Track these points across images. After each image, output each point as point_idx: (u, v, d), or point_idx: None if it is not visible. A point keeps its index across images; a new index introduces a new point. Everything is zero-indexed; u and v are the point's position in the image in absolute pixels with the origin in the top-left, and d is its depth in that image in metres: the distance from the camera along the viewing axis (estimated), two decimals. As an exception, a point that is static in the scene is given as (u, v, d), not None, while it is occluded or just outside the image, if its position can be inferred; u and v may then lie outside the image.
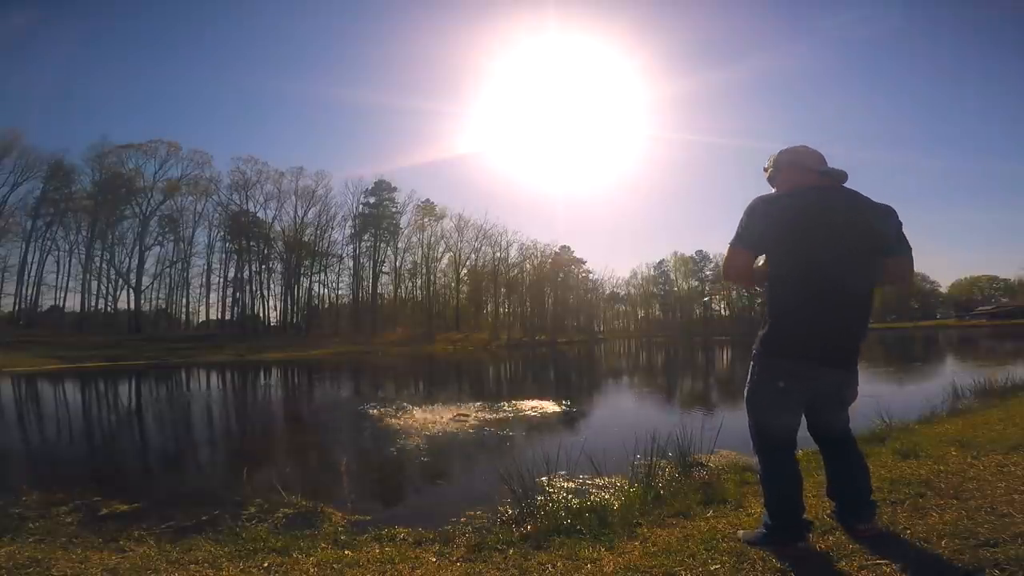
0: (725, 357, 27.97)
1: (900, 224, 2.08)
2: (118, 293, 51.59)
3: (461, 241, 62.88)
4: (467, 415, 8.81)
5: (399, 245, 61.05)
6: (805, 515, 2.14)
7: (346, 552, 2.62)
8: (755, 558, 2.08)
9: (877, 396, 6.45)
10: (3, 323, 43.80)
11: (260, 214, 55.94)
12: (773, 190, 2.24)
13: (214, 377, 22.54)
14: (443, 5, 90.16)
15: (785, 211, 2.04)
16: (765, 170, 2.30)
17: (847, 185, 2.15)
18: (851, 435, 2.23)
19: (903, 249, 2.09)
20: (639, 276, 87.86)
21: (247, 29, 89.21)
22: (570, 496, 3.53)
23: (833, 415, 2.19)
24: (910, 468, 3.24)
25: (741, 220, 2.08)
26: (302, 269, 57.05)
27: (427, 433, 7.40)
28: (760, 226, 2.04)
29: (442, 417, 8.76)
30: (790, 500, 2.10)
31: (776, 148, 2.29)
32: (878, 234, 2.04)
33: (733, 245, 2.10)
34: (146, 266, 51.78)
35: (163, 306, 54.65)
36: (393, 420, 8.69)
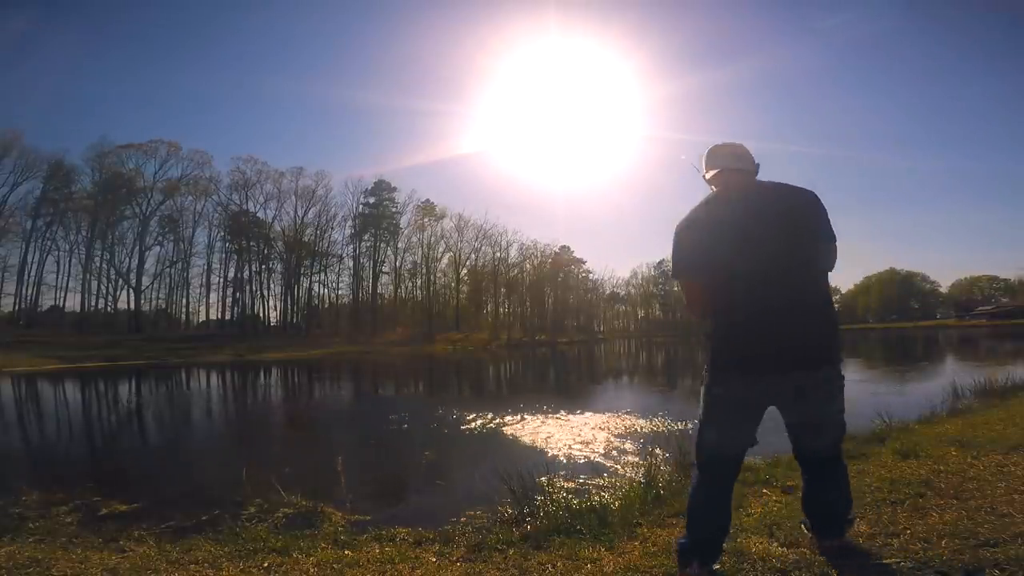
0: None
1: (826, 211, 1.97)
2: (118, 293, 51.71)
3: (461, 241, 62.99)
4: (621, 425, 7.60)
5: (399, 245, 61.18)
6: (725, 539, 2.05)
7: (346, 552, 2.62)
8: (755, 557, 2.08)
9: (878, 395, 6.44)
10: (3, 323, 43.82)
11: (260, 214, 56.09)
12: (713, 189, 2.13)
13: (252, 379, 22.50)
14: (443, 5, 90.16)
15: (702, 230, 1.97)
16: (702, 176, 2.16)
17: (769, 178, 2.06)
18: (836, 457, 2.08)
19: (831, 236, 1.99)
20: (639, 276, 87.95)
21: (247, 29, 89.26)
22: (570, 496, 3.53)
23: (811, 434, 2.01)
24: (910, 468, 3.24)
25: (672, 252, 2.03)
26: (302, 269, 57.10)
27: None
28: (688, 253, 1.99)
29: (597, 428, 7.46)
30: (711, 523, 1.98)
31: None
32: (808, 221, 1.94)
33: (676, 278, 2.07)
34: (146, 266, 51.92)
35: (163, 306, 54.71)
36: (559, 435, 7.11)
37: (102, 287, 51.05)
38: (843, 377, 1.97)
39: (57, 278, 49.95)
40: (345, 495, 3.92)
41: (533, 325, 67.91)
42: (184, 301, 55.97)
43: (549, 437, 7.05)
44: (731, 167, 2.04)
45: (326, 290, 60.35)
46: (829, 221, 1.98)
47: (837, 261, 2.03)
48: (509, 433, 7.50)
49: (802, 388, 1.89)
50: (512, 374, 22.53)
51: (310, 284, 58.56)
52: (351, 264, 59.79)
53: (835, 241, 1.99)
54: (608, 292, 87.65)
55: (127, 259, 51.45)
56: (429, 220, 61.49)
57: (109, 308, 51.64)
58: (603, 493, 3.71)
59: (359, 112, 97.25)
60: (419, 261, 61.62)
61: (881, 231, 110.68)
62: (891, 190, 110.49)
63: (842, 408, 1.97)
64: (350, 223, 59.12)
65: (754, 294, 1.87)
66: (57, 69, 66.66)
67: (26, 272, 47.25)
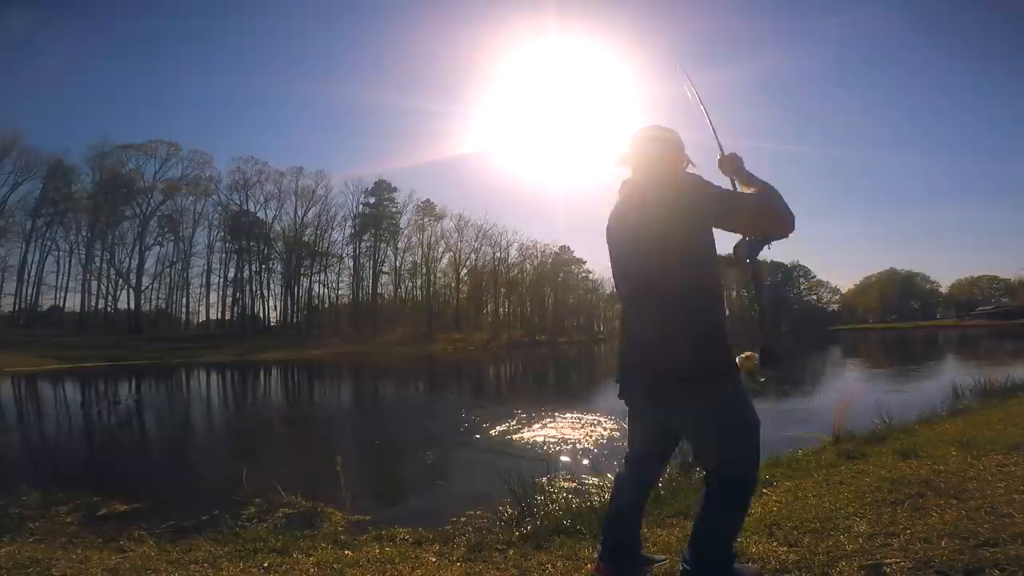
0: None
1: (718, 188, 1.71)
2: (118, 293, 51.60)
3: (461, 241, 62.92)
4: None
5: (399, 245, 61.09)
6: (642, 551, 2.01)
7: (346, 552, 2.62)
8: (755, 558, 2.08)
9: (878, 395, 6.45)
10: (3, 323, 43.78)
11: (260, 214, 55.97)
12: None
13: (262, 379, 22.51)
14: (443, 6, 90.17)
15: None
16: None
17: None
18: (724, 486, 1.70)
19: (743, 197, 1.74)
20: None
21: (248, 29, 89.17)
22: (570, 496, 3.53)
23: (699, 446, 1.89)
24: (910, 468, 3.24)
25: None
26: (302, 269, 57.05)
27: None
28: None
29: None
30: (612, 526, 1.95)
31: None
32: (681, 215, 1.67)
33: None
34: (146, 266, 51.79)
35: (163, 306, 54.62)
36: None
37: (102, 287, 51.02)
38: (723, 401, 1.67)
39: (57, 278, 49.95)
40: (345, 495, 3.91)
41: (533, 325, 67.84)
42: (184, 301, 55.94)
43: (548, 436, 7.05)
44: (635, 152, 1.89)
45: (326, 290, 60.35)
46: (716, 198, 1.68)
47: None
48: (509, 433, 7.50)
49: (668, 420, 1.79)
50: (512, 374, 22.53)
51: (310, 284, 58.57)
52: (351, 264, 59.80)
53: (730, 215, 1.69)
54: (608, 292, 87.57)
55: (127, 259, 51.41)
56: (429, 220, 61.52)
57: (109, 308, 51.62)
58: (603, 493, 3.71)
59: (359, 112, 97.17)
60: (419, 261, 61.63)
61: (881, 231, 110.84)
62: (891, 190, 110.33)
63: (724, 433, 1.69)
64: (350, 223, 59.13)
65: (630, 299, 1.84)
66: (57, 69, 66.50)
67: (26, 272, 47.24)
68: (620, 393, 1.86)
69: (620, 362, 1.84)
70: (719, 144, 1.92)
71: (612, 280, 1.98)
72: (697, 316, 1.67)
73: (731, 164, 1.84)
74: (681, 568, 1.77)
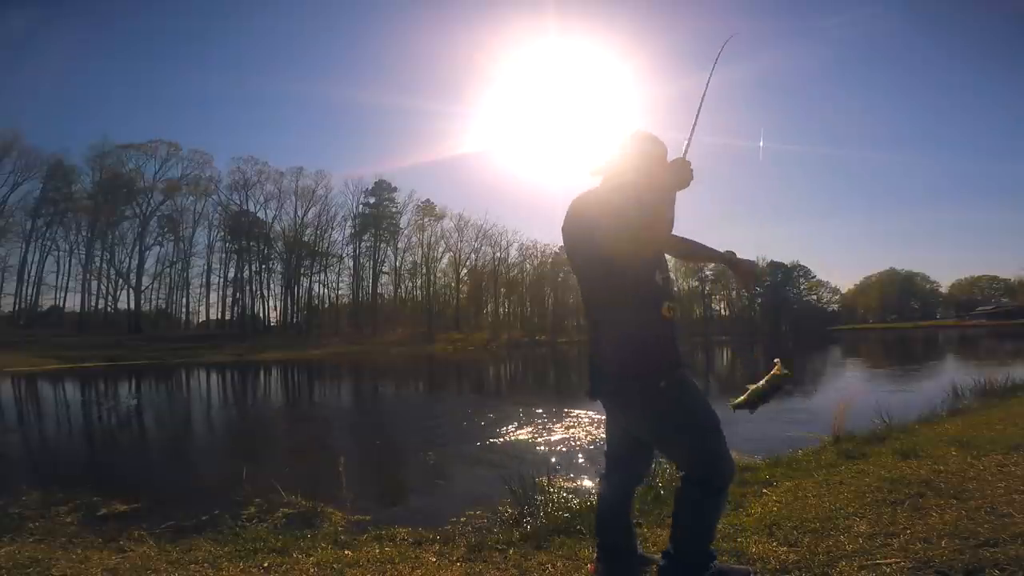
0: (725, 357, 27.96)
1: (602, 214, 1.72)
2: (118, 293, 51.65)
3: (461, 241, 62.92)
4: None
5: (399, 245, 61.10)
6: (640, 551, 2.04)
7: (346, 552, 2.62)
8: (755, 557, 2.08)
9: (878, 395, 6.44)
10: (3, 323, 43.77)
11: (260, 214, 56.01)
12: None
13: (274, 379, 22.49)
14: (443, 6, 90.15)
15: None
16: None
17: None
18: (687, 485, 1.76)
19: (633, 217, 1.66)
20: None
21: (247, 29, 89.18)
22: (570, 496, 3.53)
23: (656, 446, 1.93)
24: (910, 468, 3.24)
25: None
26: (302, 269, 57.06)
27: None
28: None
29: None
30: (601, 526, 2.00)
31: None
32: (587, 240, 1.77)
33: None
34: (146, 266, 51.86)
35: (163, 306, 54.65)
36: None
37: (102, 287, 51.07)
38: (657, 401, 1.69)
39: (57, 278, 50.00)
40: (345, 495, 3.91)
41: (533, 325, 67.80)
42: (184, 301, 55.99)
43: (549, 436, 7.05)
44: (607, 162, 1.92)
45: (326, 290, 60.38)
46: (608, 218, 1.70)
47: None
48: (509, 433, 7.49)
49: (623, 420, 1.87)
50: (512, 374, 22.53)
51: (310, 284, 58.61)
52: (351, 264, 59.83)
53: (621, 231, 1.68)
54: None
55: (127, 259, 51.46)
56: (429, 220, 61.52)
57: (109, 308, 51.65)
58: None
59: (359, 112, 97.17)
60: (419, 261, 61.64)
61: (881, 231, 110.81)
62: (891, 190, 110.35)
63: (672, 433, 1.73)
64: (350, 223, 59.17)
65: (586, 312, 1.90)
66: (57, 69, 66.48)
67: (26, 272, 47.30)
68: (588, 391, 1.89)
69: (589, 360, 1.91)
70: (690, 139, 1.84)
71: None
72: (622, 318, 1.74)
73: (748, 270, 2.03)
74: (659, 564, 1.82)
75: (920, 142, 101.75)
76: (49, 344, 34.12)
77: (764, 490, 3.11)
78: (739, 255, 2.01)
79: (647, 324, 1.75)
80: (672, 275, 1.91)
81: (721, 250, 2.03)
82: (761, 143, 1.93)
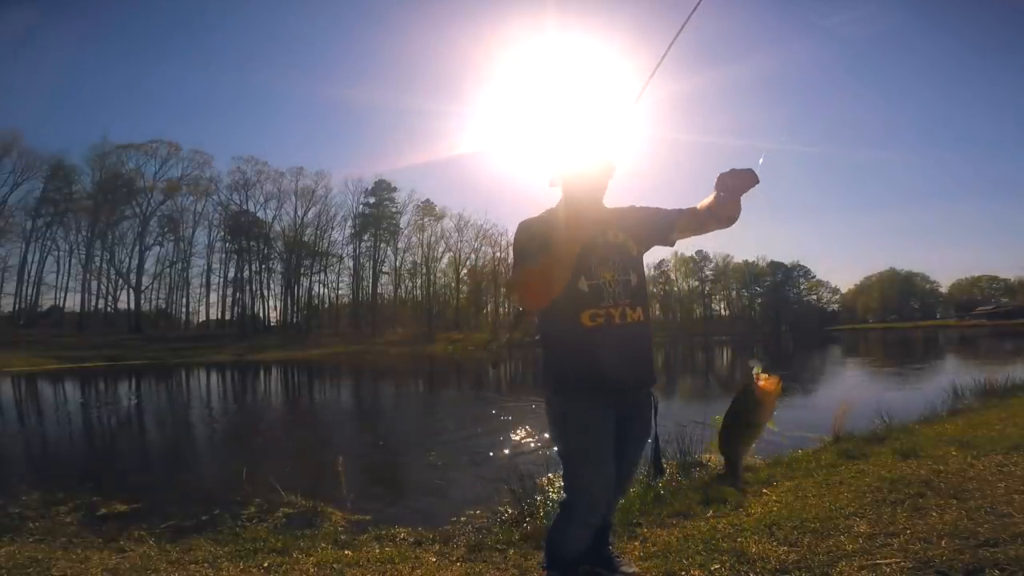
0: (725, 357, 27.96)
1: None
2: (118, 293, 51.62)
3: (461, 241, 62.85)
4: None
5: (399, 245, 61.06)
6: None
7: (346, 552, 2.62)
8: (755, 558, 2.08)
9: (878, 395, 6.44)
10: (3, 323, 43.76)
11: (260, 214, 55.98)
12: None
13: (281, 380, 22.48)
14: (442, 5, 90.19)
15: None
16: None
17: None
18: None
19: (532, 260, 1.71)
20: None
21: (247, 29, 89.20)
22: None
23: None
24: (910, 468, 3.24)
25: None
26: (302, 269, 57.05)
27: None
28: None
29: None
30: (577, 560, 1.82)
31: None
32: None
33: None
34: (146, 266, 51.83)
35: (163, 306, 54.62)
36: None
37: (102, 287, 51.05)
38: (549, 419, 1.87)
39: (57, 278, 49.98)
40: (345, 495, 3.92)
41: (533, 325, 67.75)
42: (184, 301, 55.95)
43: (549, 436, 7.04)
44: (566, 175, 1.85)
45: (326, 290, 60.37)
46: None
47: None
48: (509, 433, 7.49)
49: None
50: (512, 374, 22.52)
51: (310, 284, 58.59)
52: (351, 264, 59.83)
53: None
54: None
55: (127, 259, 51.44)
56: (429, 220, 61.49)
57: (109, 308, 51.65)
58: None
59: (359, 112, 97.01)
60: (419, 261, 61.60)
61: (881, 231, 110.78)
62: (891, 190, 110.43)
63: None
64: (350, 223, 59.14)
65: None
66: (58, 68, 66.43)
67: (26, 272, 47.28)
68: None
69: None
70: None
71: None
72: (543, 329, 1.89)
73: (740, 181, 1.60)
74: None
75: (920, 142, 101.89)
76: (49, 344, 34.13)
77: (764, 490, 3.11)
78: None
79: (563, 335, 1.72)
80: (631, 277, 1.76)
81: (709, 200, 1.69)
82: (760, 161, 1.86)
